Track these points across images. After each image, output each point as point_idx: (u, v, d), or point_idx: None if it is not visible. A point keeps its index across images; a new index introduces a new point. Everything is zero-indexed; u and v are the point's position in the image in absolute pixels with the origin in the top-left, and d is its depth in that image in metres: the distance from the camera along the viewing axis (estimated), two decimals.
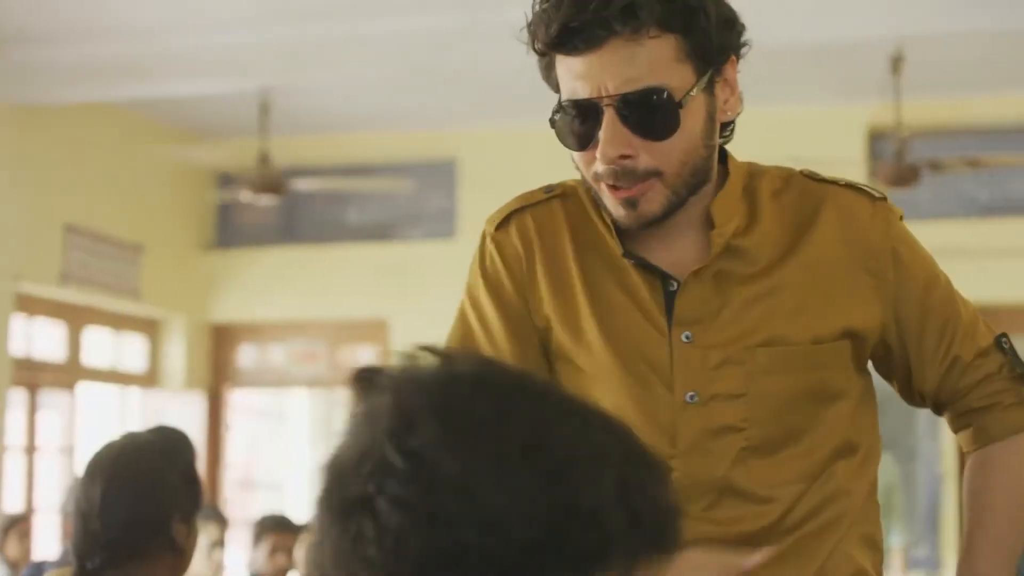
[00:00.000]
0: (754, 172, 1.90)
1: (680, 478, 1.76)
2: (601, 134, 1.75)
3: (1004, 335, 1.92)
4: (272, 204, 8.04)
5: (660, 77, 1.73)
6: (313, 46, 6.78)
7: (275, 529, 5.91)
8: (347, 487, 0.96)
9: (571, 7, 1.72)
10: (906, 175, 6.43)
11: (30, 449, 7.86)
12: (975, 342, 1.91)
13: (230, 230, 9.12)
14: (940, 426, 7.07)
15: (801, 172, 1.91)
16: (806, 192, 1.88)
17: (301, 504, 8.01)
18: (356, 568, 0.95)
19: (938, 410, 1.96)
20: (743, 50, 1.84)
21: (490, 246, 1.91)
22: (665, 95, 1.73)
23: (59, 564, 2.63)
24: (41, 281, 7.61)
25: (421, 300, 8.51)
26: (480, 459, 0.94)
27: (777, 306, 1.83)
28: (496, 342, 1.88)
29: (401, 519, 0.93)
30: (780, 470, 1.83)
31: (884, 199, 1.89)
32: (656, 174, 1.77)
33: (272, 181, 7.09)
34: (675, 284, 1.84)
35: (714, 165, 1.84)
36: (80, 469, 2.41)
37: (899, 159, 6.49)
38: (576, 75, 1.75)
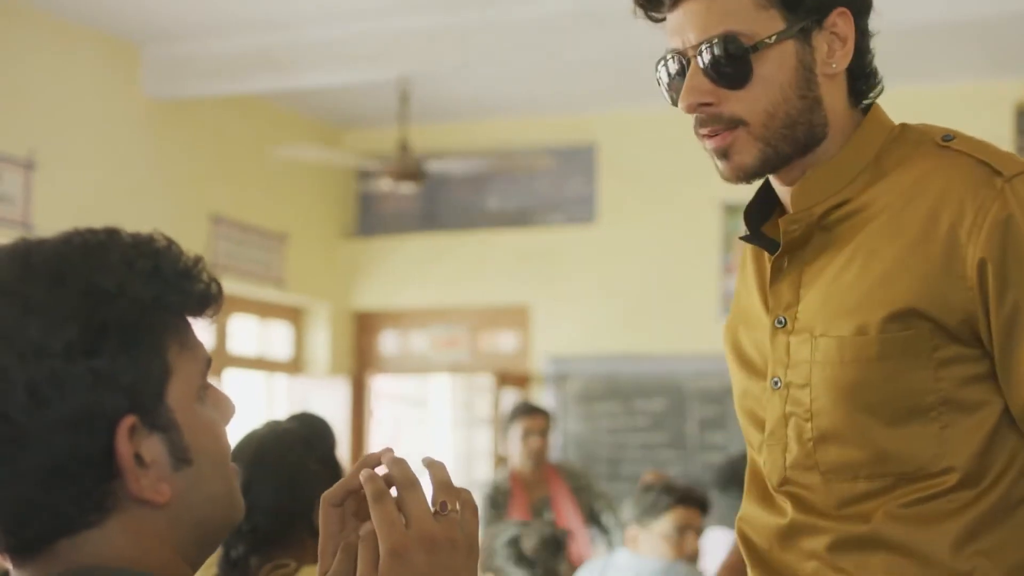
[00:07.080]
0: (898, 136, 1.77)
1: (766, 463, 1.79)
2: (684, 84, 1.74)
3: None
4: (412, 192, 8.09)
5: (735, 24, 1.70)
6: (450, 33, 6.80)
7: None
8: None
9: None
10: None
11: None
12: None
13: (371, 218, 9.19)
14: None
15: (940, 138, 1.72)
16: (926, 161, 1.71)
17: None
18: None
19: None
20: (860, 3, 1.74)
21: None
22: (734, 41, 1.69)
23: None
24: None
25: (562, 285, 8.50)
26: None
27: (847, 290, 1.70)
28: None
29: None
30: (851, 471, 1.70)
31: (1007, 179, 1.62)
32: (742, 123, 1.72)
33: (412, 169, 7.12)
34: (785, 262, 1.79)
35: (830, 121, 1.74)
36: None
37: None
38: (669, 31, 1.77)
